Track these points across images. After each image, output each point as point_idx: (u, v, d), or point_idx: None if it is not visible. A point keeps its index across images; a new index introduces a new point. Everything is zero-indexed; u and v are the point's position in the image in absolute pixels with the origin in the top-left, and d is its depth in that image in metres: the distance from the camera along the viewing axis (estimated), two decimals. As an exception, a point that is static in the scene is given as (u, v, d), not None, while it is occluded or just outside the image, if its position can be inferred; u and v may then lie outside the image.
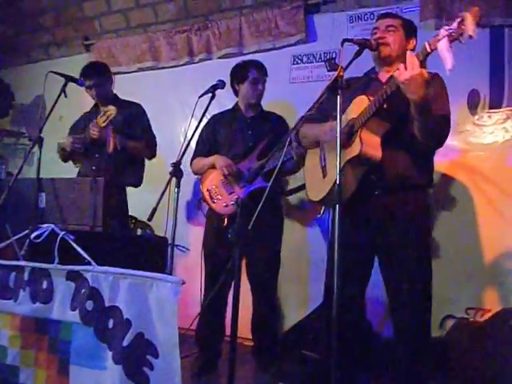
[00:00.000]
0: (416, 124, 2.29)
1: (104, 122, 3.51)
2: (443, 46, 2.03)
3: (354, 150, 2.33)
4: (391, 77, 2.30)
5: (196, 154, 3.59)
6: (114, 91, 3.95)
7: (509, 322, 3.01)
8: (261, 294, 3.40)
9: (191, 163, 3.59)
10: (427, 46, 2.12)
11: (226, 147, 3.47)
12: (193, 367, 3.27)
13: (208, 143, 3.54)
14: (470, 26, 2.00)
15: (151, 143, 3.78)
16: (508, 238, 3.35)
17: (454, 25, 2.02)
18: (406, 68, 2.14)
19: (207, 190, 3.44)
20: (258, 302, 3.41)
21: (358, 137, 2.33)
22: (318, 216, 2.64)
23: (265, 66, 3.51)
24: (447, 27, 2.04)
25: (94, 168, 3.72)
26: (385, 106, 2.33)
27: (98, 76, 3.76)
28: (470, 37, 2.00)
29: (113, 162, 3.69)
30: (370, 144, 2.34)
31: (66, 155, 3.85)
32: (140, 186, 3.81)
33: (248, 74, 3.42)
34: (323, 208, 2.58)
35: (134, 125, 3.74)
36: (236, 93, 3.53)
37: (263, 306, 3.40)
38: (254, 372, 3.41)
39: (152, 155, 3.81)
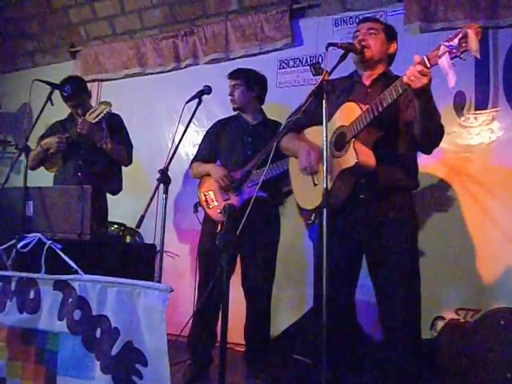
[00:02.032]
0: (419, 128, 2.28)
1: (95, 118, 3.50)
2: (445, 62, 1.95)
3: (349, 160, 2.33)
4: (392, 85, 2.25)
5: (196, 158, 3.61)
6: (103, 99, 3.94)
7: (499, 322, 3.02)
8: (255, 300, 3.40)
9: (190, 165, 3.64)
10: (426, 61, 2.05)
11: (225, 154, 3.49)
12: (184, 374, 3.25)
13: (209, 147, 3.56)
14: (473, 46, 1.89)
15: (130, 150, 3.84)
16: (496, 238, 3.36)
17: (455, 41, 1.93)
18: (415, 75, 2.08)
19: (204, 195, 3.45)
20: (252, 309, 3.41)
21: (352, 147, 2.32)
22: (309, 222, 2.64)
23: (235, 70, 3.57)
24: (447, 43, 1.96)
25: (79, 174, 3.70)
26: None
27: (79, 95, 3.75)
28: (475, 57, 1.91)
29: (96, 168, 3.69)
30: (364, 153, 2.34)
31: (42, 159, 3.80)
32: (119, 193, 3.84)
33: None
34: (314, 215, 2.58)
35: (115, 133, 3.75)
36: None
37: (256, 312, 3.41)
38: (246, 377, 3.40)
39: (129, 162, 3.86)
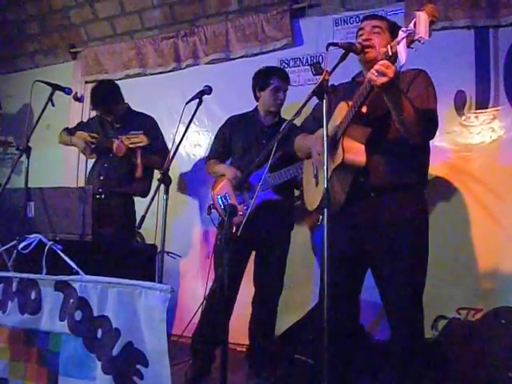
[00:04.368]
0: (395, 119, 2.27)
1: (131, 144, 3.51)
2: (401, 48, 1.97)
3: (338, 158, 2.34)
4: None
5: (211, 156, 3.61)
6: None
7: (500, 321, 3.02)
8: (264, 300, 3.43)
9: (206, 163, 3.64)
10: (389, 49, 2.08)
11: (240, 153, 3.47)
12: (186, 374, 3.24)
13: (223, 145, 3.55)
14: (421, 28, 1.90)
15: (164, 155, 3.75)
16: (497, 237, 3.36)
17: (411, 26, 1.95)
18: (379, 71, 2.09)
19: (218, 197, 3.44)
20: (260, 308, 3.44)
21: (341, 145, 2.33)
22: (318, 224, 2.63)
23: (288, 75, 3.52)
24: (405, 28, 1.98)
25: (101, 178, 3.71)
26: (364, 110, 2.33)
27: (108, 103, 3.76)
28: (423, 38, 1.91)
29: (122, 172, 3.70)
30: (353, 150, 2.33)
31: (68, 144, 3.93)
32: (147, 195, 3.79)
33: (270, 82, 3.42)
34: (320, 217, 2.58)
35: (150, 138, 3.72)
36: (256, 98, 3.53)
37: (264, 311, 3.44)
38: (247, 377, 3.40)
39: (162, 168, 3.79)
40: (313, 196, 2.57)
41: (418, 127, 2.28)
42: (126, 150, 3.54)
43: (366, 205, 2.43)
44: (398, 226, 2.39)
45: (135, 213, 3.73)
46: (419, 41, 1.93)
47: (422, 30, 1.90)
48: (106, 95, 3.76)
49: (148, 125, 3.82)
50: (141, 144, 3.49)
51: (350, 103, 2.34)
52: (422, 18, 1.92)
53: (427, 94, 2.40)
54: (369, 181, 2.40)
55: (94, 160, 3.92)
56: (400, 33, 1.99)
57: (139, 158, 3.54)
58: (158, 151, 3.72)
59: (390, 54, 2.07)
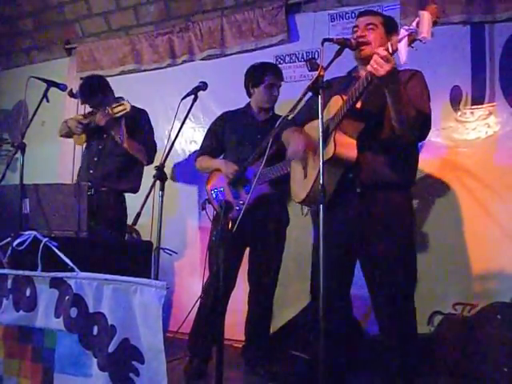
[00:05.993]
0: (393, 116, 2.27)
1: (116, 113, 3.47)
2: (402, 46, 1.99)
3: (328, 151, 2.32)
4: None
5: (202, 151, 3.57)
6: None
7: (496, 316, 3.03)
8: (259, 295, 3.42)
9: (196, 159, 3.59)
10: (389, 47, 2.09)
11: (233, 149, 3.44)
12: (184, 370, 3.23)
13: (215, 141, 3.52)
14: (424, 28, 1.94)
15: (151, 149, 3.76)
16: (493, 233, 3.37)
17: (414, 25, 1.98)
18: (377, 62, 2.10)
19: (213, 192, 3.42)
20: (255, 304, 3.43)
21: (332, 138, 2.33)
22: (302, 216, 2.65)
23: (281, 71, 3.51)
24: (407, 27, 2.00)
25: (91, 171, 3.69)
26: (358, 105, 2.32)
27: (97, 97, 3.73)
28: (425, 38, 1.95)
29: (110, 165, 3.68)
30: (344, 145, 2.33)
31: (68, 134, 3.91)
32: (138, 191, 3.77)
33: (264, 78, 3.39)
34: (306, 208, 2.58)
35: (137, 130, 3.72)
36: (249, 94, 3.51)
37: (259, 307, 3.44)
38: (244, 373, 3.41)
39: (149, 161, 3.76)
40: (299, 188, 2.57)
41: (414, 126, 2.28)
42: (108, 119, 3.51)
43: (353, 200, 2.42)
44: (385, 223, 2.39)
45: (126, 209, 3.71)
46: (421, 40, 1.96)
47: (425, 30, 1.93)
48: (91, 89, 3.75)
49: (138, 117, 3.79)
50: (124, 111, 3.44)
51: (345, 97, 2.33)
52: (426, 17, 1.94)
53: (422, 95, 2.40)
54: (358, 177, 2.39)
55: (84, 153, 3.89)
56: (402, 31, 2.02)
57: (123, 128, 3.52)
58: (142, 142, 3.71)
59: (391, 51, 2.07)
